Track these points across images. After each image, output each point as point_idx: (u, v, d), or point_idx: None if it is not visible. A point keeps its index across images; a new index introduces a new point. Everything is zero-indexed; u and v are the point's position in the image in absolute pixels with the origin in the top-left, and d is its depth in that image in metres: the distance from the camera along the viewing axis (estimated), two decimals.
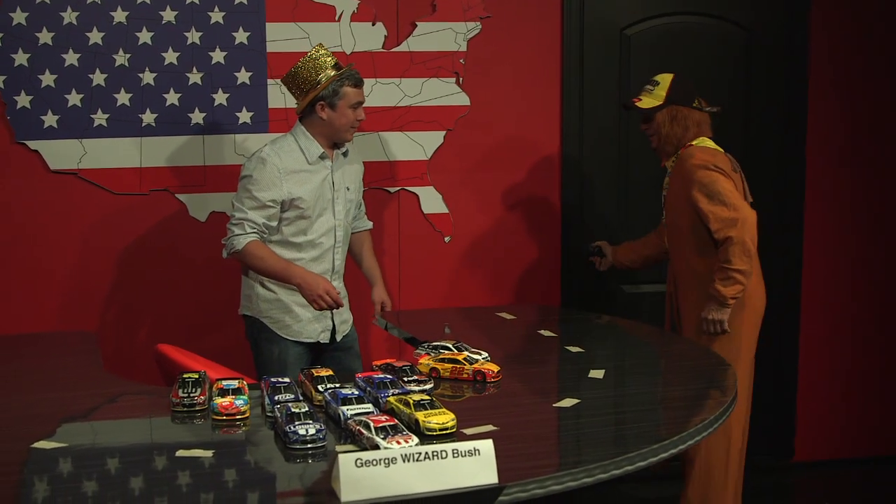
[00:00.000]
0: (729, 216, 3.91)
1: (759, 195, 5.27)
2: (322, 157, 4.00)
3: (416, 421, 2.49)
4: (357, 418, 2.48)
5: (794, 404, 5.36)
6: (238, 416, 2.70)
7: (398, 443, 2.29)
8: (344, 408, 2.58)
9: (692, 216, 4.05)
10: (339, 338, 4.14)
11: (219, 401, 2.72)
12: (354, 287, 4.38)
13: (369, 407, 2.60)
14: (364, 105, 4.02)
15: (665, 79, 4.20)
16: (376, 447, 2.29)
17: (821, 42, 5.19)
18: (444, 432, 2.47)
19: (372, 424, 2.38)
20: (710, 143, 4.19)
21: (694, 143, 4.14)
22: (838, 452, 5.41)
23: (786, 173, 5.26)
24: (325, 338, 4.09)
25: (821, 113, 5.22)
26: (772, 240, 5.03)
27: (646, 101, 4.20)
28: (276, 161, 3.91)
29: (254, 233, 3.89)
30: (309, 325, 4.05)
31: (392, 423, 2.40)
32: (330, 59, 3.95)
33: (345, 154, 4.10)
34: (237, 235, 3.88)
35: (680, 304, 4.25)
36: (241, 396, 2.76)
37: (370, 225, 4.42)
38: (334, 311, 4.05)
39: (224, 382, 2.88)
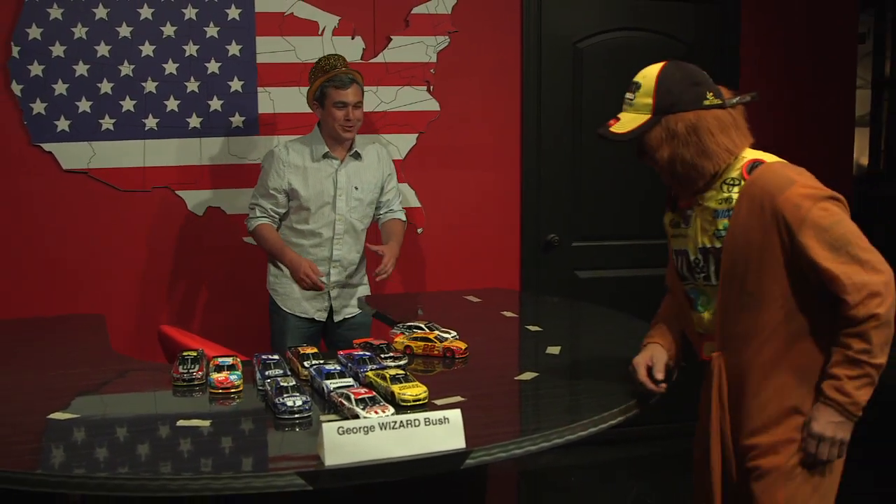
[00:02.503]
0: (871, 280, 2.26)
1: None
2: (326, 156, 4.03)
3: (392, 393, 2.49)
4: (339, 391, 2.48)
5: None
6: (232, 390, 2.69)
7: (376, 412, 2.29)
8: (327, 382, 2.58)
9: (787, 281, 2.37)
10: (337, 318, 4.14)
11: (215, 376, 2.71)
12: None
13: (350, 381, 2.60)
14: (359, 106, 4.00)
15: (648, 77, 2.46)
16: (356, 417, 2.29)
17: (750, 52, 5.23)
18: (417, 403, 2.47)
19: (352, 396, 2.39)
20: (762, 153, 2.50)
21: (746, 155, 2.47)
22: None
23: None
24: (321, 316, 4.13)
25: (751, 115, 5.24)
26: None
27: (625, 121, 2.47)
28: (283, 155, 4.02)
29: (264, 217, 4.05)
30: (304, 302, 4.11)
31: (370, 395, 2.40)
32: (328, 63, 3.98)
33: (356, 156, 4.09)
34: (250, 219, 4.09)
35: (737, 421, 2.49)
36: (235, 372, 2.76)
37: (398, 215, 4.28)
38: (332, 294, 4.10)
39: (220, 359, 2.88)
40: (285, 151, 4.04)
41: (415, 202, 4.90)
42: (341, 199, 4.05)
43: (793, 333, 2.38)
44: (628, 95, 2.49)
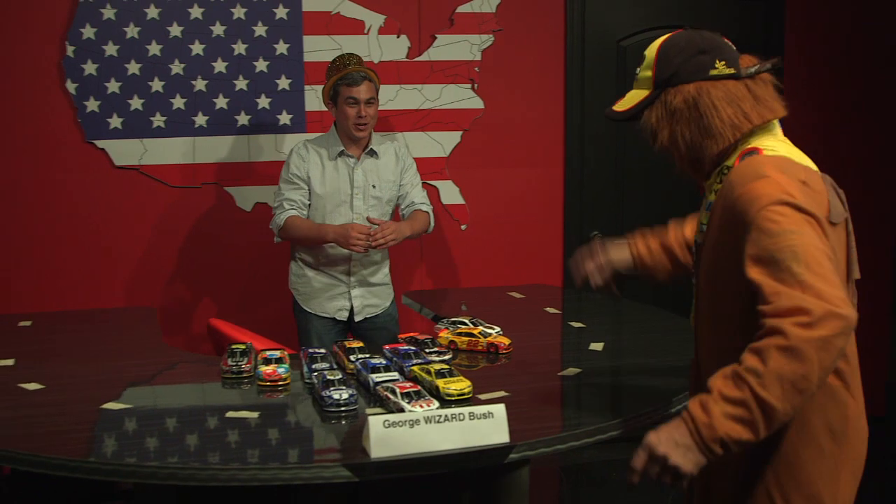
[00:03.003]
0: (805, 299, 1.71)
1: None
2: (342, 155, 3.94)
3: (437, 387, 2.49)
4: (385, 385, 2.48)
5: None
6: (280, 383, 2.71)
7: (421, 406, 2.30)
8: (373, 375, 2.59)
9: (744, 301, 1.89)
10: (358, 318, 4.02)
11: (263, 369, 2.73)
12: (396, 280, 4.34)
13: (395, 375, 2.61)
14: (372, 104, 3.86)
15: (652, 47, 2.10)
16: (402, 410, 2.30)
17: (794, 51, 5.16)
18: (462, 397, 2.47)
19: (398, 390, 2.39)
20: (779, 140, 2.03)
21: (752, 141, 2.01)
22: None
23: None
24: (342, 315, 4.02)
25: (795, 112, 5.18)
26: None
27: (627, 98, 2.17)
28: (303, 151, 3.95)
29: (292, 209, 3.90)
30: (325, 302, 4.01)
31: (416, 389, 2.40)
32: (341, 61, 3.89)
33: (372, 153, 3.98)
34: (278, 215, 3.92)
35: None
36: (283, 365, 2.77)
37: (420, 207, 4.04)
38: (352, 293, 3.99)
39: (268, 352, 2.89)
40: (304, 149, 3.96)
41: (459, 199, 4.90)
42: (358, 198, 3.94)
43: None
44: (637, 70, 2.15)
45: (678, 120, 2.03)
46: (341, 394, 2.44)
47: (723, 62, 2.02)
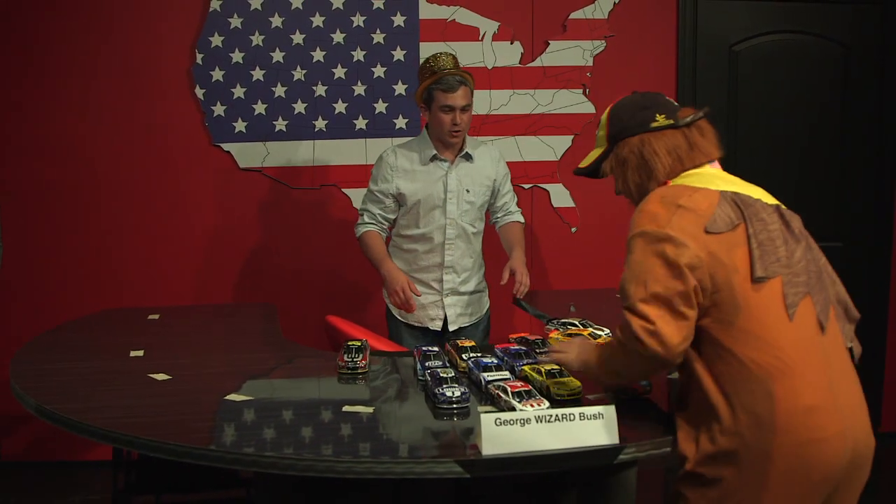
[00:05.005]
0: (625, 319, 2.19)
1: (854, 195, 5.06)
2: (435, 159, 3.73)
3: (547, 387, 2.46)
4: (496, 383, 2.46)
5: (882, 374, 5.12)
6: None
7: (532, 406, 2.27)
8: (485, 374, 2.57)
9: None
10: (452, 327, 3.82)
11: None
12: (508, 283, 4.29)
13: (506, 374, 2.59)
14: (467, 110, 3.65)
15: (606, 110, 2.41)
16: (513, 409, 2.28)
17: None
18: (572, 398, 2.43)
19: (509, 389, 2.37)
20: (698, 174, 2.25)
21: (684, 177, 2.27)
22: None
23: (881, 172, 5.03)
24: (435, 326, 3.82)
25: None
26: (867, 237, 4.87)
27: (589, 156, 2.46)
28: (391, 159, 3.77)
29: (371, 223, 3.79)
30: (418, 311, 3.78)
31: (526, 389, 2.38)
32: (437, 63, 3.64)
33: (467, 157, 3.77)
34: (358, 225, 3.84)
35: None
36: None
37: (515, 217, 3.94)
38: (446, 301, 3.82)
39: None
40: (393, 156, 3.77)
41: (569, 202, 4.85)
42: (452, 203, 3.73)
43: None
44: (596, 133, 2.46)
45: (628, 167, 2.31)
46: (454, 391, 2.43)
47: (662, 115, 2.31)
